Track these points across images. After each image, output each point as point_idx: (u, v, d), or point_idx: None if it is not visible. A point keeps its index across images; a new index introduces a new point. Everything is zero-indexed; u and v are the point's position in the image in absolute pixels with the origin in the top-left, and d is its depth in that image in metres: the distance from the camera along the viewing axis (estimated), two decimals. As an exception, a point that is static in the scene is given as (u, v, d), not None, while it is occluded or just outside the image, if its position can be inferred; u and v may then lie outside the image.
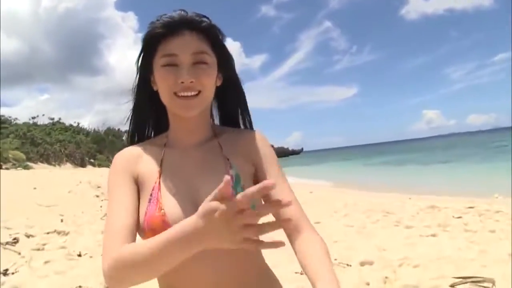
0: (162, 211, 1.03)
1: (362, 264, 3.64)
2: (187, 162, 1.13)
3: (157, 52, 1.07)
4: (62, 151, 51.82)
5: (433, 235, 4.32)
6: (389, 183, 14.40)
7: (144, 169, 1.12)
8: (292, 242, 1.05)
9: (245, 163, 1.14)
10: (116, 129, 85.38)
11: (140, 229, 1.03)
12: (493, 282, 2.58)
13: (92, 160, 58.71)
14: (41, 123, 66.23)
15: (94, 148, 61.85)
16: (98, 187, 15.28)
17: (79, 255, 4.15)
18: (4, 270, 3.39)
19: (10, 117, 56.59)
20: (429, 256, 3.48)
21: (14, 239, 4.45)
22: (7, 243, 4.25)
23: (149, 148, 1.16)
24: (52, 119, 70.07)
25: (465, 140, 68.28)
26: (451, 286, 2.64)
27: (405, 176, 16.37)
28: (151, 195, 1.06)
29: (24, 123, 60.42)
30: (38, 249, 4.24)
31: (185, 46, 1.05)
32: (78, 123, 73.28)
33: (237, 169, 1.10)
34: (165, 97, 1.07)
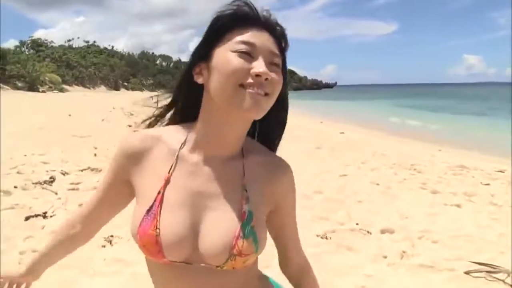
0: (158, 230, 0.94)
1: (383, 231, 3.77)
2: (201, 177, 0.99)
3: (225, 39, 0.94)
4: (97, 74, 52.77)
5: (457, 206, 4.36)
6: (421, 131, 14.09)
7: (149, 169, 1.00)
8: (295, 280, 1.17)
9: (264, 201, 1.04)
10: (150, 52, 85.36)
11: (134, 236, 0.95)
12: (509, 273, 2.66)
13: (125, 84, 59.72)
14: (76, 46, 66.77)
15: (128, 71, 62.56)
16: (131, 114, 15.77)
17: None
18: (43, 213, 3.69)
19: (46, 40, 57.28)
20: (449, 231, 3.57)
21: (51, 177, 4.80)
22: (44, 182, 4.60)
23: (162, 144, 1.01)
24: (87, 42, 70.48)
25: (504, 92, 64.26)
26: (465, 272, 2.74)
27: (438, 124, 15.89)
28: (150, 206, 0.96)
29: (60, 46, 61.17)
30: (73, 189, 4.57)
31: (265, 41, 0.93)
32: (113, 46, 73.50)
33: (252, 205, 0.99)
34: (225, 88, 0.90)
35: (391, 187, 5.36)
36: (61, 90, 37.34)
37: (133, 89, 57.06)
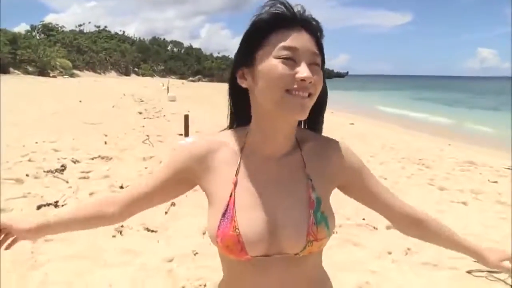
0: (237, 230, 0.99)
1: (388, 227, 3.79)
2: (265, 175, 1.05)
3: (266, 44, 0.96)
4: (107, 59, 52.92)
5: (464, 203, 4.37)
6: (431, 124, 13.96)
7: (217, 173, 1.05)
8: (415, 231, 1.19)
9: (328, 183, 1.09)
10: (161, 38, 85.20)
11: (212, 238, 1.02)
12: (509, 274, 2.68)
13: (136, 69, 59.85)
14: (87, 31, 66.91)
15: (138, 57, 62.60)
16: (141, 100, 15.89)
17: (121, 187, 4.53)
18: (55, 202, 3.77)
19: (57, 24, 57.42)
20: (455, 229, 3.53)
21: (62, 166, 4.91)
22: (56, 170, 4.71)
23: (223, 148, 1.07)
24: (98, 27, 70.57)
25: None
26: (467, 272, 2.76)
27: (449, 118, 15.69)
28: (225, 210, 1.01)
29: (71, 31, 61.31)
30: (84, 177, 4.67)
31: (304, 43, 0.95)
32: (124, 32, 73.50)
33: (318, 192, 1.05)
34: (273, 94, 0.94)
35: (399, 182, 5.38)
36: (72, 75, 37.61)
37: (143, 75, 57.18)
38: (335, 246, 3.40)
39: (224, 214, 1.00)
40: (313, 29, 0.99)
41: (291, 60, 0.92)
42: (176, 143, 1.05)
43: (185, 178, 1.09)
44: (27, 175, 4.33)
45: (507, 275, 2.67)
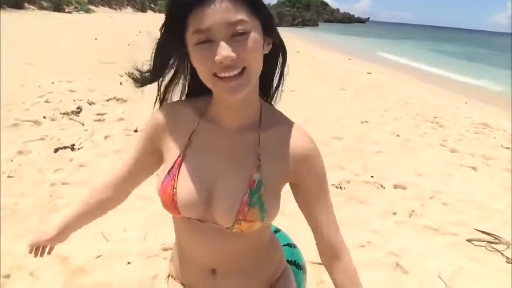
0: (174, 190, 1.03)
1: (396, 187, 3.86)
2: (217, 144, 1.06)
3: (188, 27, 0.90)
4: (123, -6, 51.33)
5: (473, 168, 4.37)
6: (450, 79, 13.53)
7: (173, 135, 1.08)
8: (329, 266, 1.11)
9: (279, 173, 1.05)
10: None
11: (157, 191, 1.06)
12: (508, 245, 2.75)
13: (152, 5, 58.25)
14: (103, -39, 64.31)
15: (155, -7, 60.59)
16: (157, 38, 15.62)
17: (136, 131, 4.60)
18: (71, 145, 3.89)
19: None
20: (460, 194, 3.63)
21: (78, 108, 4.98)
22: (72, 112, 4.79)
23: (186, 113, 1.08)
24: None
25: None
26: (467, 240, 2.84)
27: (469, 74, 15.11)
28: (171, 168, 1.05)
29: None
30: (99, 120, 4.76)
31: (217, 17, 0.87)
32: (140, -36, 70.58)
33: (263, 175, 1.03)
34: (204, 80, 0.94)
35: (411, 140, 5.35)
36: (87, 11, 36.77)
37: (160, 11, 55.61)
38: (341, 202, 3.47)
39: (169, 172, 1.04)
40: None
41: (208, 42, 0.88)
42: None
43: (156, 147, 1.11)
44: (44, 117, 4.42)
45: (506, 246, 2.75)
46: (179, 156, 1.05)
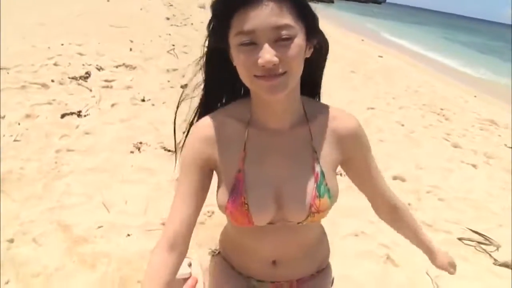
0: (246, 205, 1.03)
1: (395, 178, 3.90)
2: (272, 149, 1.07)
3: (231, 27, 0.91)
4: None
5: (474, 166, 4.38)
6: (461, 71, 13.30)
7: (225, 149, 1.06)
8: (398, 220, 1.26)
9: (334, 156, 1.10)
10: None
11: (222, 210, 1.05)
12: (497, 248, 2.82)
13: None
14: None
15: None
16: (170, 5, 15.33)
17: (143, 100, 4.61)
18: (78, 111, 3.92)
19: None
20: (458, 192, 3.67)
21: (86, 73, 4.98)
22: (80, 77, 4.79)
23: (231, 123, 1.06)
24: None
25: None
26: (459, 238, 2.90)
27: (481, 67, 14.82)
28: (234, 184, 1.04)
29: None
30: (107, 87, 4.77)
31: (263, 20, 0.87)
32: None
33: (323, 165, 1.07)
34: (245, 80, 0.95)
35: (415, 131, 5.36)
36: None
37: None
38: (341, 190, 3.46)
39: (233, 189, 1.04)
40: None
41: (252, 45, 0.88)
42: (188, 136, 1.05)
43: (206, 165, 1.06)
44: (52, 81, 4.43)
45: (494, 248, 2.81)
46: (239, 171, 1.04)
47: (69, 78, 4.63)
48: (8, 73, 4.33)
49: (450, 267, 1.31)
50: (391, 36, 20.90)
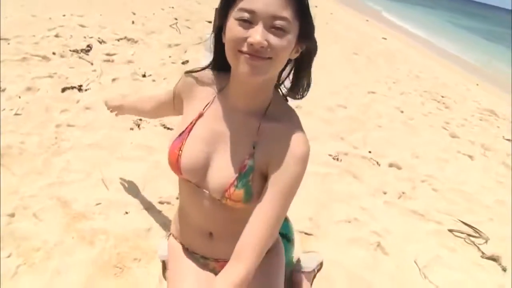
0: (180, 151, 1.18)
1: (391, 165, 3.93)
2: (224, 121, 1.16)
3: (235, 5, 0.98)
4: None
5: (470, 157, 4.42)
6: (465, 57, 13.15)
7: (193, 102, 1.23)
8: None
9: (267, 162, 1.12)
10: None
11: (168, 149, 1.25)
12: (486, 241, 2.88)
13: None
14: None
15: None
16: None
17: (144, 76, 4.61)
18: (79, 86, 3.91)
19: None
20: (452, 183, 3.71)
21: (88, 46, 4.93)
22: (81, 50, 4.76)
23: (208, 85, 1.22)
24: None
25: None
26: (449, 230, 2.96)
27: (486, 54, 14.67)
28: (182, 132, 1.20)
29: None
30: (108, 61, 4.75)
31: (266, 6, 0.93)
32: None
33: (255, 162, 1.12)
34: (229, 54, 1.00)
35: (414, 119, 5.37)
36: None
37: None
38: (336, 174, 3.56)
39: (180, 135, 1.20)
40: None
41: (247, 22, 0.95)
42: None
43: (177, 98, 1.32)
44: (53, 53, 4.38)
45: (483, 241, 2.88)
46: (190, 123, 1.19)
47: (70, 51, 4.59)
48: (8, 43, 4.29)
49: None
50: (395, 17, 20.58)
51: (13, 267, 1.88)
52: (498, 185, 3.83)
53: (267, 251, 1.30)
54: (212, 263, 1.40)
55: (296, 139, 1.09)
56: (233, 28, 0.96)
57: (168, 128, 3.60)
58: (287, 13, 0.95)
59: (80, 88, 3.87)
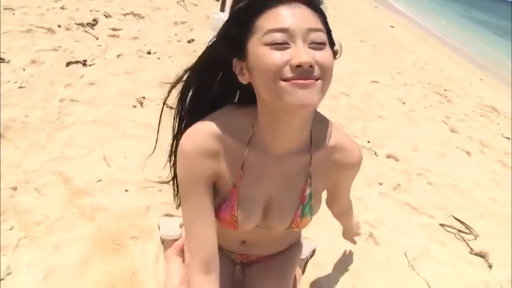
0: (235, 218, 1.10)
1: (389, 156, 3.97)
2: (270, 172, 1.06)
3: (255, 28, 0.85)
4: None
5: (468, 153, 4.45)
6: (472, 50, 12.99)
7: (223, 167, 1.04)
8: (338, 214, 1.56)
9: (327, 182, 1.16)
10: None
11: None
12: (476, 237, 2.94)
13: None
14: None
15: None
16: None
17: (149, 53, 4.59)
18: (83, 60, 3.91)
19: None
20: (448, 178, 3.75)
21: (94, 20, 4.90)
22: (87, 24, 4.73)
23: (229, 141, 1.01)
24: None
25: None
26: (440, 224, 3.02)
27: (493, 49, 14.47)
28: (227, 198, 1.08)
29: None
30: (114, 36, 4.73)
31: (299, 19, 0.82)
32: None
33: (314, 187, 1.12)
34: (268, 87, 0.84)
35: (415, 111, 5.38)
36: None
37: None
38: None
39: (225, 201, 1.08)
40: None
41: (283, 45, 0.81)
42: (182, 149, 1.02)
43: (211, 180, 1.05)
44: (59, 26, 4.35)
45: (473, 237, 2.95)
46: (234, 187, 1.06)
47: (76, 24, 4.57)
48: (13, 14, 4.26)
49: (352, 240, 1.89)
50: (404, 5, 20.27)
51: (15, 240, 1.94)
52: (492, 182, 3.88)
53: (290, 246, 1.49)
54: (235, 254, 1.43)
55: (348, 151, 1.09)
56: (266, 55, 0.81)
57: (171, 107, 3.61)
58: (319, 23, 0.86)
59: (84, 63, 3.88)
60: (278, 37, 0.80)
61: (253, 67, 0.86)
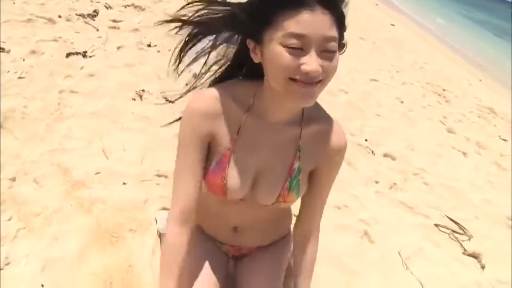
0: (225, 181, 1.13)
1: (385, 155, 3.99)
2: (263, 138, 1.13)
3: (274, 23, 0.89)
4: None
5: (464, 153, 4.48)
6: (470, 51, 13.00)
7: (220, 130, 1.11)
8: (300, 237, 1.34)
9: (313, 161, 1.19)
10: None
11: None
12: (469, 238, 2.98)
13: None
14: None
15: None
16: None
17: (149, 46, 4.58)
18: (83, 52, 3.90)
19: None
20: (443, 178, 3.78)
21: (94, 11, 4.88)
22: (88, 15, 4.70)
23: (230, 107, 1.09)
24: None
25: None
26: (435, 224, 3.05)
27: (492, 49, 14.48)
28: (220, 160, 1.13)
29: None
30: (114, 27, 4.71)
31: (318, 27, 0.87)
32: None
33: (302, 163, 1.16)
34: (277, 80, 0.94)
35: (413, 110, 5.40)
36: None
37: None
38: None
39: (218, 162, 1.13)
40: (334, 5, 0.90)
41: (298, 50, 0.88)
42: (186, 108, 1.08)
43: (206, 140, 1.12)
44: (59, 16, 4.34)
45: (467, 238, 2.98)
46: (228, 150, 1.12)
47: (76, 15, 4.55)
48: (14, 3, 4.24)
49: None
50: (405, 3, 20.23)
51: (13, 231, 1.95)
52: (487, 184, 3.91)
53: (281, 237, 1.49)
54: (226, 246, 1.44)
55: (336, 135, 1.17)
56: (282, 55, 0.89)
57: (170, 101, 3.62)
58: (334, 31, 0.91)
59: (84, 54, 3.87)
60: (295, 42, 0.87)
61: (267, 59, 0.94)
